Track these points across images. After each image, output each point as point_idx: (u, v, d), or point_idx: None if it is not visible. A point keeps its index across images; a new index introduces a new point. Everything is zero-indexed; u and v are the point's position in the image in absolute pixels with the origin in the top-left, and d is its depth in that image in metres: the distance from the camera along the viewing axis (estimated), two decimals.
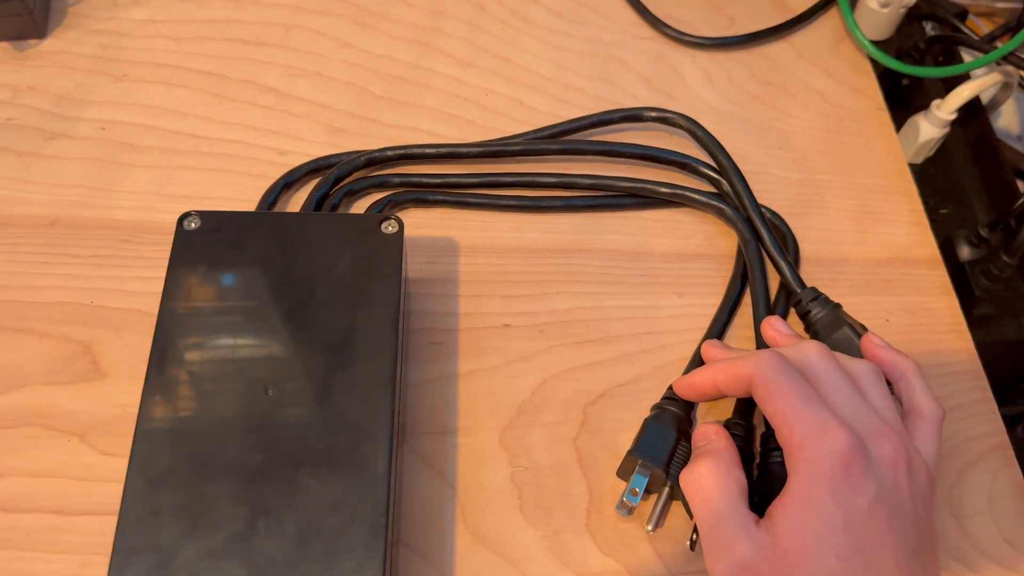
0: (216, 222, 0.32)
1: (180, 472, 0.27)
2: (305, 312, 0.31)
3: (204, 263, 0.31)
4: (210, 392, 0.29)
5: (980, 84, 0.42)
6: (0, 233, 0.38)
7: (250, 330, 0.30)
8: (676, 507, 0.33)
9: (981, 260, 0.40)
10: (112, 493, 0.32)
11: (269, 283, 0.31)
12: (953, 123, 0.44)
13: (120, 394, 0.34)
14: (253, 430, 0.28)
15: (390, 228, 0.33)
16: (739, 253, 0.39)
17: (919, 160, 0.46)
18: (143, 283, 0.37)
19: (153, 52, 0.44)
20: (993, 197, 0.43)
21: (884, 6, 0.47)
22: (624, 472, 0.33)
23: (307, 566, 0.26)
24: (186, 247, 0.32)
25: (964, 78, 0.43)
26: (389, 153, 0.40)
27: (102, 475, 0.33)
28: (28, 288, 0.36)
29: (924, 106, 0.45)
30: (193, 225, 0.32)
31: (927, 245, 0.41)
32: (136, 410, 0.28)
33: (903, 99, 0.48)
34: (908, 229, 0.42)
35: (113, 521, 0.27)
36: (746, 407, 0.34)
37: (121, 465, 0.28)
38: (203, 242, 0.32)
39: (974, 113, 0.45)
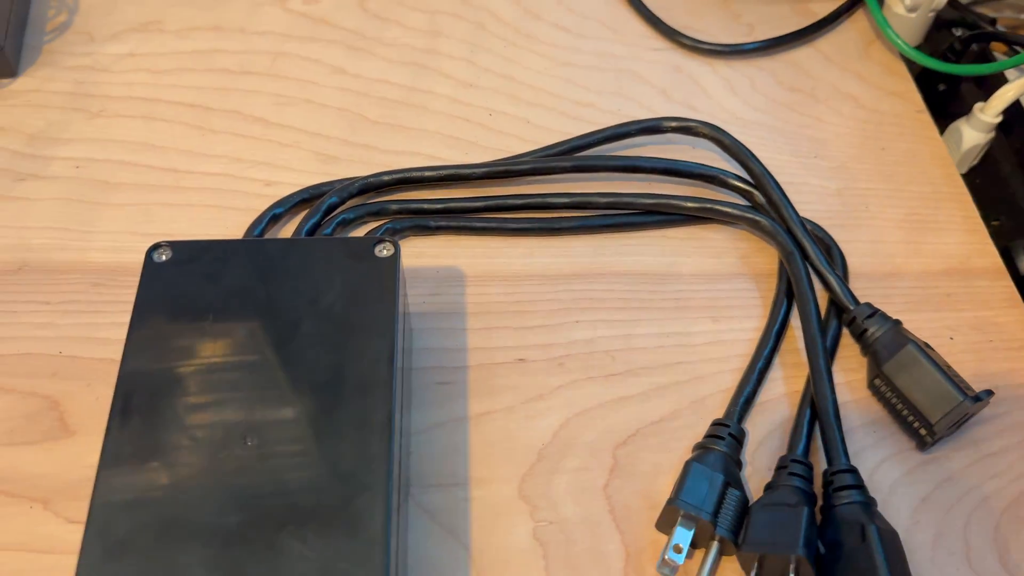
0: (189, 252, 0.29)
1: (143, 539, 0.23)
2: (289, 349, 0.27)
3: (175, 298, 0.28)
4: (181, 445, 0.25)
5: None
6: None
7: (227, 372, 0.26)
8: (727, 563, 0.28)
9: None
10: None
11: (248, 318, 0.27)
12: (997, 130, 0.40)
13: (89, 453, 0.30)
14: (230, 487, 0.24)
15: (385, 251, 0.29)
16: (780, 270, 0.35)
17: (963, 170, 0.42)
18: (117, 330, 0.33)
19: (132, 86, 0.41)
20: None
21: (912, 10, 0.44)
22: (665, 524, 0.29)
23: None
24: (156, 282, 0.28)
25: (1006, 78, 0.39)
26: (386, 178, 0.36)
27: (66, 546, 0.28)
28: None
29: (962, 114, 0.41)
30: (164, 257, 0.29)
31: (988, 254, 0.37)
32: None
33: (939, 107, 0.44)
34: (964, 237, 0.37)
35: None
36: (805, 442, 0.30)
37: None
38: (175, 275, 0.28)
39: (1018, 118, 0.42)
